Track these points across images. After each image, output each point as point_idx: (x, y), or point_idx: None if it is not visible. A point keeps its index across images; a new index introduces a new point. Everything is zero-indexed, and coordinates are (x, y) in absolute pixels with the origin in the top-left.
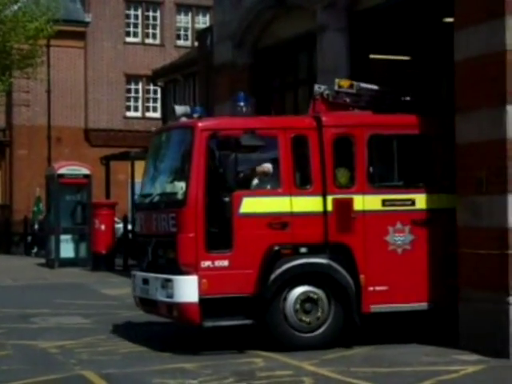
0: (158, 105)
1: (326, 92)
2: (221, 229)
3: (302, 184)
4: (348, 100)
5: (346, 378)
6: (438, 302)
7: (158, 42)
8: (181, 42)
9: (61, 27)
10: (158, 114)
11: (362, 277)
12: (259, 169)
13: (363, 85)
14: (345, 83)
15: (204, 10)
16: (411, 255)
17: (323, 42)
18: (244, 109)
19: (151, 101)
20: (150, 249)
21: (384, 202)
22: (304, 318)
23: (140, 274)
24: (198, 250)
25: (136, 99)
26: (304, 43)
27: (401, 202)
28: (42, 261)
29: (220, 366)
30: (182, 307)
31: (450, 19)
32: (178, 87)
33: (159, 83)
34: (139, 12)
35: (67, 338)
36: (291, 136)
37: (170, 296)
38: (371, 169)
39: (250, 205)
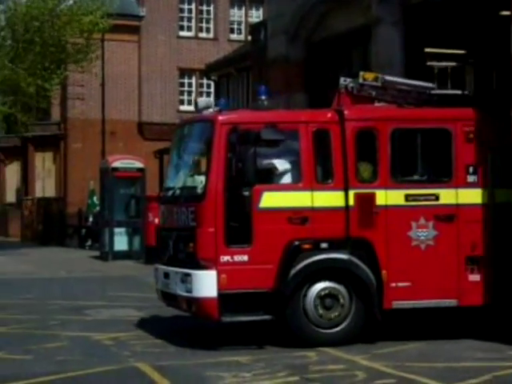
0: (212, 99)
1: (351, 85)
2: (240, 223)
3: (323, 178)
4: (374, 93)
5: (399, 372)
6: (463, 298)
7: (211, 35)
8: (234, 36)
9: (115, 21)
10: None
11: (383, 272)
12: (277, 169)
13: (388, 78)
14: (369, 76)
15: (257, 3)
16: (435, 251)
17: (378, 36)
18: (265, 102)
19: (204, 95)
20: (171, 242)
21: (407, 197)
22: (324, 314)
23: (161, 268)
24: (218, 245)
25: (189, 93)
26: (358, 37)
27: (424, 197)
28: (96, 253)
29: (273, 359)
30: (201, 302)
31: (507, 12)
32: (232, 81)
33: (212, 77)
34: (193, 6)
35: (121, 330)
36: (313, 130)
37: (189, 291)
38: (394, 163)
39: (270, 199)
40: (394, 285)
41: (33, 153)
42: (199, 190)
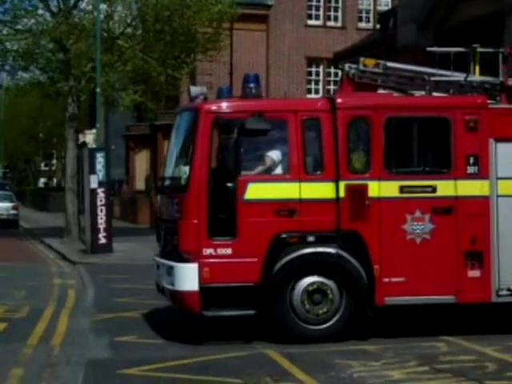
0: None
1: (352, 71)
2: (224, 215)
3: (312, 169)
4: (378, 80)
5: None
6: (461, 295)
7: (339, 24)
8: (362, 25)
9: (244, 10)
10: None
11: (375, 267)
12: (269, 162)
13: (390, 64)
14: (370, 62)
15: None
16: (431, 245)
17: (511, 24)
18: (253, 90)
19: (332, 84)
20: (162, 234)
21: (402, 189)
22: (312, 310)
23: (155, 259)
24: (200, 237)
25: (317, 82)
26: (490, 24)
27: (420, 189)
28: None
29: (402, 349)
30: (182, 295)
31: None
32: None
33: (340, 66)
34: None
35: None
36: (302, 119)
37: (172, 284)
38: (388, 153)
39: (256, 191)
40: (386, 280)
41: (162, 141)
42: (183, 181)
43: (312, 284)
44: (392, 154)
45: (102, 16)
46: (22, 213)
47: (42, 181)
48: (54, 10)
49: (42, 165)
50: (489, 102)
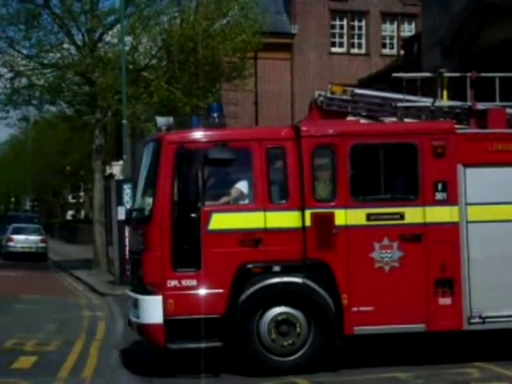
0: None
1: (320, 99)
2: (189, 246)
3: (277, 198)
4: (348, 107)
5: None
6: (431, 324)
7: (363, 51)
8: (386, 51)
9: (267, 39)
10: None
11: (343, 296)
12: (233, 192)
13: (358, 91)
14: (337, 89)
15: (409, 17)
16: (400, 273)
17: None
18: (217, 120)
19: None
20: (131, 266)
21: (369, 217)
22: (280, 341)
23: (126, 292)
24: (164, 269)
25: None
26: None
27: (388, 216)
28: None
29: (433, 375)
30: (147, 328)
31: None
32: None
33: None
34: (344, 22)
35: None
36: (266, 147)
37: (138, 316)
38: (354, 181)
39: (220, 221)
40: (355, 309)
41: None
42: (146, 212)
43: (279, 315)
44: (358, 181)
45: (127, 48)
46: (51, 245)
47: (69, 213)
48: (79, 43)
49: (70, 197)
50: (458, 126)
